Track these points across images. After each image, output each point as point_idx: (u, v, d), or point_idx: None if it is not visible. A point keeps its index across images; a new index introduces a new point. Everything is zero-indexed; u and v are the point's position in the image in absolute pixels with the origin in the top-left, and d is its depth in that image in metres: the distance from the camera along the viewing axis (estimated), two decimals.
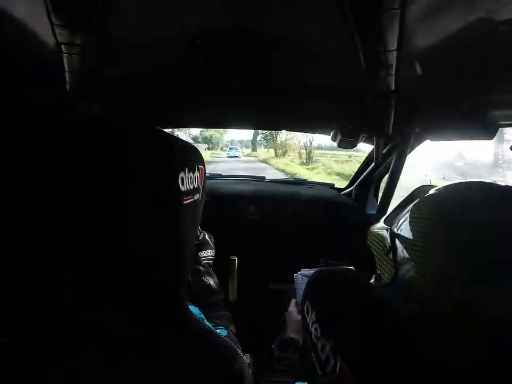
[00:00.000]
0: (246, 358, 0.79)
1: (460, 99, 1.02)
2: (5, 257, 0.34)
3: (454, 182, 0.52)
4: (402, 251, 0.51)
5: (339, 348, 0.41)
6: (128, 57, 0.98)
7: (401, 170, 1.62)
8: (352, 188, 2.11)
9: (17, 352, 0.37)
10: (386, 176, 1.75)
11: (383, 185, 1.85)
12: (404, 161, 1.58)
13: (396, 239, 0.53)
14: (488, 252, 0.40)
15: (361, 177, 1.99)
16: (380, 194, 1.97)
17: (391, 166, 1.66)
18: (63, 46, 0.68)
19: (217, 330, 0.73)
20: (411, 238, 0.49)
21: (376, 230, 0.63)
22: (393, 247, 0.54)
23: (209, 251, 1.15)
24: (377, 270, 0.61)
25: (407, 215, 0.52)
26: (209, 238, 1.19)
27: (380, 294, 0.50)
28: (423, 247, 0.46)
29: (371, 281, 0.65)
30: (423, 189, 0.58)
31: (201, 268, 1.08)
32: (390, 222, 0.58)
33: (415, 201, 0.53)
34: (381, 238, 0.59)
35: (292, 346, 1.09)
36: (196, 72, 1.03)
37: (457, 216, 0.45)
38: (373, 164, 1.78)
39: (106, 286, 0.38)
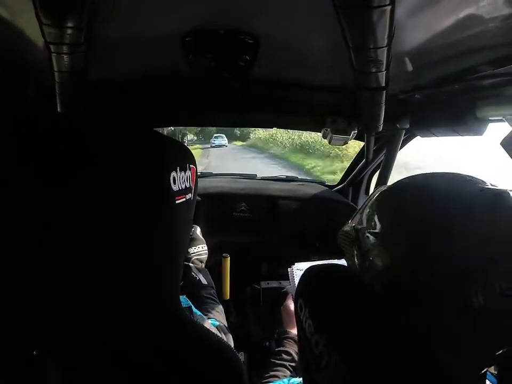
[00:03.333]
0: (240, 356, 0.79)
1: (449, 95, 1.03)
2: None
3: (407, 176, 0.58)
4: (363, 240, 0.56)
5: (333, 343, 0.41)
6: (116, 57, 0.97)
7: (392, 167, 1.63)
8: (343, 184, 2.12)
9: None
10: (378, 172, 1.76)
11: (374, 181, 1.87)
12: (395, 157, 1.60)
13: (359, 232, 0.58)
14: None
15: (353, 174, 2.00)
16: (371, 191, 1.99)
17: (382, 162, 1.67)
18: (51, 46, 0.67)
19: (209, 321, 0.73)
20: (371, 228, 0.54)
21: (342, 230, 0.66)
22: (357, 239, 0.58)
23: (200, 246, 1.14)
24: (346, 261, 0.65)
25: (366, 210, 0.58)
26: (196, 231, 1.18)
27: (371, 288, 0.51)
28: (380, 237, 0.52)
29: None
30: (380, 189, 0.61)
31: (191, 265, 1.08)
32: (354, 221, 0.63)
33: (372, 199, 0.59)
34: (346, 233, 0.63)
35: (288, 339, 1.09)
36: (185, 71, 1.02)
37: (409, 206, 0.50)
38: (364, 160, 1.79)
39: (98, 287, 0.37)
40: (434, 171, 0.55)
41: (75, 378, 0.38)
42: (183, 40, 0.85)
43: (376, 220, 0.53)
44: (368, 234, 0.54)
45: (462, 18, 0.62)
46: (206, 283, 1.06)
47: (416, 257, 0.45)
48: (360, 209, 0.62)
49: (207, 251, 1.17)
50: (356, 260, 0.59)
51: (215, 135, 30.44)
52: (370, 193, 2.03)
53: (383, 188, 0.59)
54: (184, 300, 0.74)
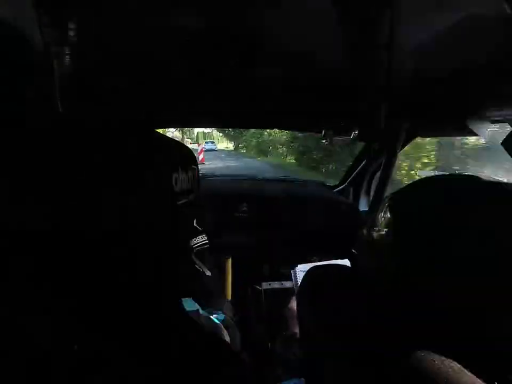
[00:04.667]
0: (242, 357, 0.79)
1: (451, 95, 1.03)
2: None
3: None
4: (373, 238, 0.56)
5: (333, 342, 0.41)
6: (119, 59, 0.97)
7: (393, 167, 1.62)
8: (344, 185, 2.12)
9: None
10: (378, 173, 1.76)
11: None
12: (396, 157, 1.59)
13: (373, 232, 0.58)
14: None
15: (353, 174, 2.00)
16: (373, 191, 1.99)
17: (383, 162, 1.67)
18: (51, 46, 0.67)
19: (214, 315, 0.73)
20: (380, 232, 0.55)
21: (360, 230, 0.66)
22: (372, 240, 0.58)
23: (199, 236, 1.13)
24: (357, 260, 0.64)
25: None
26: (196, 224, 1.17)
27: (372, 288, 0.51)
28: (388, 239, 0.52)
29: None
30: None
31: (193, 257, 1.07)
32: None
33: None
34: (363, 234, 0.63)
35: (293, 341, 1.09)
36: (183, 71, 1.02)
37: (402, 203, 0.52)
38: (365, 160, 1.79)
39: (100, 291, 0.37)
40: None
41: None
42: (186, 40, 0.85)
43: (390, 221, 0.52)
44: (381, 235, 0.54)
45: (464, 16, 0.62)
46: (210, 274, 1.05)
47: (427, 261, 0.45)
48: (378, 209, 0.62)
49: (207, 241, 1.16)
50: (370, 260, 0.58)
51: (206, 141, 32.77)
52: (370, 193, 2.03)
53: (398, 189, 0.58)
54: (191, 303, 0.74)
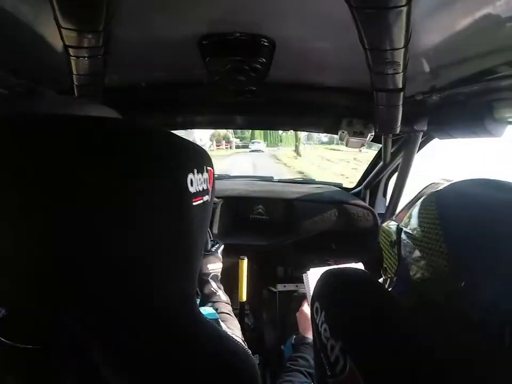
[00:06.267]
0: (255, 359, 0.79)
1: (467, 96, 1.01)
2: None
3: (461, 180, 0.54)
4: (405, 245, 0.54)
5: (348, 349, 0.41)
6: (132, 60, 0.99)
7: (409, 169, 1.60)
8: (360, 187, 2.10)
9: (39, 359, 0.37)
10: (395, 175, 1.74)
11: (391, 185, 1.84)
12: (413, 160, 1.57)
13: (401, 234, 0.56)
14: (482, 253, 0.42)
15: (370, 176, 1.98)
16: (389, 194, 1.96)
17: (400, 165, 1.65)
18: (70, 49, 0.69)
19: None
20: (413, 233, 0.52)
21: (385, 226, 0.65)
22: (398, 241, 0.57)
23: (217, 263, 1.15)
24: (383, 263, 0.64)
25: (413, 211, 0.55)
26: (219, 249, 1.19)
27: (389, 293, 0.50)
28: (422, 241, 0.49)
29: (380, 279, 0.66)
30: (432, 186, 0.59)
31: (210, 280, 1.08)
32: (399, 218, 0.60)
33: (422, 198, 0.55)
34: (388, 232, 0.62)
35: (305, 345, 1.09)
36: (201, 74, 1.03)
37: (453, 214, 0.48)
38: (381, 163, 1.77)
39: (115, 293, 0.38)
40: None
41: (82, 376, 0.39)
42: (200, 43, 0.86)
43: (423, 228, 0.51)
44: (410, 241, 0.53)
45: (478, 18, 0.61)
46: (225, 300, 1.06)
47: (455, 273, 0.43)
48: (405, 206, 0.60)
49: (221, 269, 1.18)
50: (394, 263, 0.58)
51: (252, 140, 30.77)
52: (387, 196, 2.01)
53: (433, 189, 0.56)
54: (212, 313, 0.75)
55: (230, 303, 1.06)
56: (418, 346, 0.40)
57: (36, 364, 0.38)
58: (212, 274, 1.10)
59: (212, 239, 1.21)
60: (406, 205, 0.62)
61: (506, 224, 0.43)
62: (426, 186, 0.62)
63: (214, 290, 1.06)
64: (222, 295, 1.06)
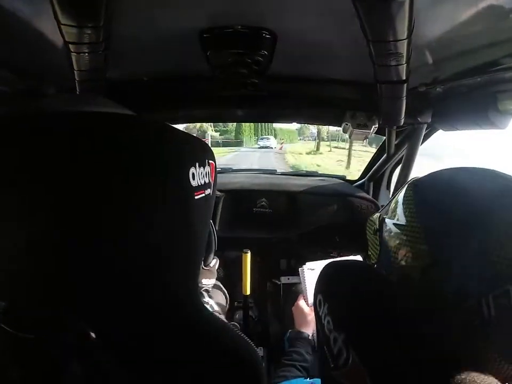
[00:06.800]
0: (260, 351, 0.79)
1: (471, 88, 1.01)
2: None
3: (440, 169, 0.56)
4: (386, 231, 0.55)
5: (351, 341, 0.41)
6: (133, 54, 0.99)
7: (413, 161, 1.59)
8: (364, 179, 2.09)
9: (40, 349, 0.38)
10: (399, 167, 1.73)
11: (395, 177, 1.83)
12: (417, 152, 1.56)
13: (382, 222, 0.57)
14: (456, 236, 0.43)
15: (373, 168, 1.97)
16: (393, 186, 1.96)
17: (404, 157, 1.64)
18: (70, 45, 0.69)
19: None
20: (391, 216, 0.54)
21: (371, 217, 0.66)
22: (380, 228, 0.58)
23: (211, 279, 1.14)
24: (368, 251, 0.65)
25: (393, 199, 0.57)
26: (216, 265, 1.19)
27: (390, 282, 0.50)
28: (400, 221, 0.51)
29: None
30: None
31: (203, 292, 1.08)
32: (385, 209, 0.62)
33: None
34: (372, 222, 0.63)
35: (300, 340, 1.09)
36: (203, 67, 1.03)
37: (427, 192, 0.50)
38: (385, 155, 1.76)
39: (120, 285, 0.38)
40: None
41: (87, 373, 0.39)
42: (201, 37, 0.86)
43: (401, 212, 0.52)
44: (390, 225, 0.54)
45: (482, 10, 0.60)
46: (217, 310, 1.07)
47: (432, 255, 0.44)
48: (390, 200, 0.61)
49: (214, 281, 1.17)
50: (376, 249, 0.59)
51: (261, 136, 29.82)
52: (390, 188, 2.00)
53: (413, 180, 0.57)
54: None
55: (222, 312, 1.07)
56: (420, 334, 0.40)
57: (37, 353, 0.38)
58: (204, 288, 1.10)
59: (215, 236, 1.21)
60: (389, 202, 0.62)
61: (477, 199, 0.44)
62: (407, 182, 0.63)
63: (206, 301, 1.06)
64: (214, 305, 1.07)
